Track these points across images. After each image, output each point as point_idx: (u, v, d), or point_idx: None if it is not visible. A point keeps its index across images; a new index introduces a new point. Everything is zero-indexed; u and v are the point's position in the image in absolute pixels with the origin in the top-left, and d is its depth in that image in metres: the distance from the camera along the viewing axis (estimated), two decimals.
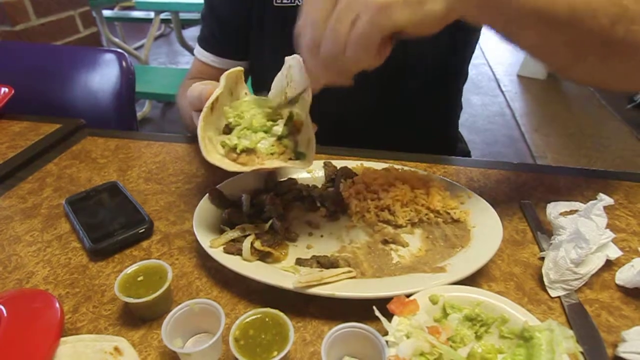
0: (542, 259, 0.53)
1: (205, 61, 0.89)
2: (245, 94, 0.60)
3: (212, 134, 0.55)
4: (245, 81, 0.98)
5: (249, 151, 0.53)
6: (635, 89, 0.50)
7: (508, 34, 0.45)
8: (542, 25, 0.44)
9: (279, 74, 0.58)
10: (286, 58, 0.57)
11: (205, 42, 0.90)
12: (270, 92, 0.60)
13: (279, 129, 0.56)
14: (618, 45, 0.46)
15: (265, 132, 0.55)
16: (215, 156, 0.52)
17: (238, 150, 0.53)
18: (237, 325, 0.42)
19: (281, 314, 0.43)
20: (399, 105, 0.83)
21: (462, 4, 0.42)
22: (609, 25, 0.44)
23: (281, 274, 0.51)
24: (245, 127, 0.55)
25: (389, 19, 0.40)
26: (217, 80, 0.61)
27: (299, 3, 0.76)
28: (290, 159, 0.55)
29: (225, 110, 0.56)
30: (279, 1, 0.77)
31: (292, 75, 0.56)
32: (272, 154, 0.54)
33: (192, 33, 4.78)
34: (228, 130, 0.56)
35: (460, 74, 0.90)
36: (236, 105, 0.58)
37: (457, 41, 0.80)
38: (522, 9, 0.42)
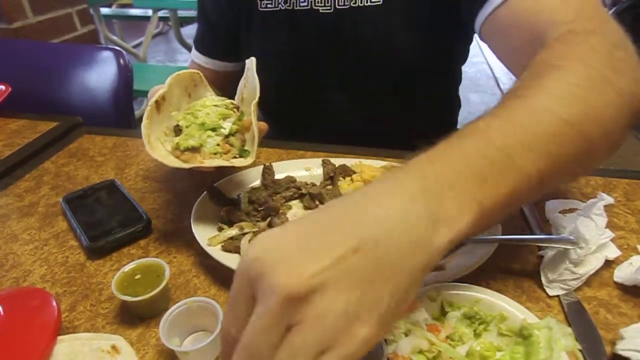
0: (541, 257, 0.53)
1: (199, 63, 0.90)
2: (210, 95, 0.63)
3: (161, 133, 0.58)
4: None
5: (193, 149, 0.56)
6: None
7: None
8: (519, 203, 0.38)
9: (243, 77, 0.61)
10: (246, 61, 0.60)
11: (199, 44, 0.91)
12: (236, 94, 0.63)
13: (225, 128, 0.58)
14: (598, 156, 0.42)
15: (214, 130, 0.57)
16: (160, 152, 0.55)
17: (182, 148, 0.55)
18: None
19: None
20: (396, 103, 0.83)
21: (453, 243, 0.32)
22: (582, 157, 0.39)
23: None
24: (196, 125, 0.57)
25: (368, 347, 0.28)
26: (211, 81, 0.63)
27: (282, 7, 0.76)
28: (235, 157, 0.57)
29: (173, 114, 0.59)
30: (264, 6, 0.78)
31: (248, 76, 0.59)
32: (215, 153, 0.56)
33: (190, 31, 4.76)
34: (179, 130, 0.58)
35: (454, 73, 0.90)
36: (192, 105, 0.61)
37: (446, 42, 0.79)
38: (497, 215, 0.35)
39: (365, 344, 0.28)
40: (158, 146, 0.55)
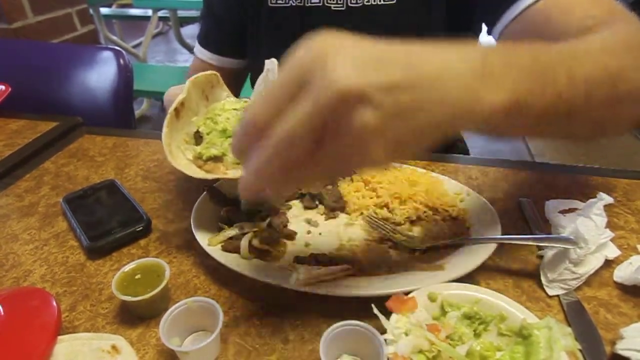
0: (541, 257, 0.53)
1: (205, 59, 0.89)
2: (227, 96, 0.62)
3: (181, 140, 0.56)
4: (245, 80, 0.98)
5: (216, 159, 0.54)
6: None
7: (508, 135, 0.42)
8: (543, 127, 0.42)
9: (260, 77, 0.60)
10: (265, 61, 0.59)
11: (204, 40, 0.90)
12: (251, 96, 0.61)
13: None
14: (622, 106, 0.45)
15: None
16: (182, 162, 0.53)
17: (204, 158, 0.54)
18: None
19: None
20: None
21: (484, 121, 0.34)
22: (605, 106, 0.43)
23: (279, 272, 0.51)
24: (217, 132, 0.56)
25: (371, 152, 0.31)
26: None
27: (292, 4, 0.76)
28: None
29: (193, 120, 0.58)
30: (274, 1, 0.77)
31: (269, 78, 0.58)
32: (237, 163, 0.54)
33: (190, 31, 4.76)
34: (199, 137, 0.57)
35: None
36: (211, 108, 0.59)
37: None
38: (526, 121, 0.38)
39: (377, 163, 0.32)
40: (179, 155, 0.54)
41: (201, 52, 0.90)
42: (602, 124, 0.46)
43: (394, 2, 0.70)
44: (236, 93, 0.65)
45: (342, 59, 0.29)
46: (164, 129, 0.53)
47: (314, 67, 0.29)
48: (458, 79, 0.32)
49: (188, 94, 0.57)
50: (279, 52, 0.61)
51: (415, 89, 0.30)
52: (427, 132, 0.32)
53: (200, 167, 0.54)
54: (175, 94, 0.56)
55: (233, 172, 0.54)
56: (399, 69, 0.30)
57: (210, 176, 0.53)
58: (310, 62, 0.30)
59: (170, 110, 0.54)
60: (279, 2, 0.77)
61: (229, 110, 0.59)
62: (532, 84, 0.36)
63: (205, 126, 0.57)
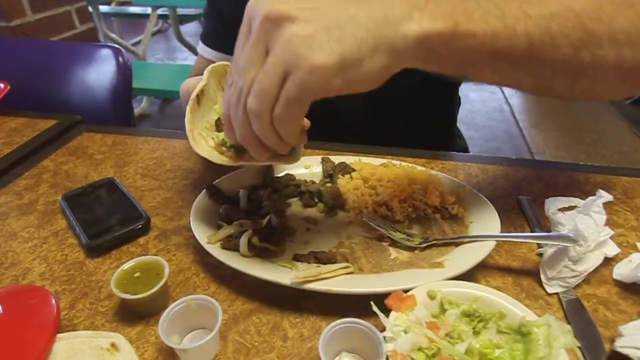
0: (540, 254, 0.53)
1: (209, 58, 0.89)
2: None
3: (203, 127, 0.55)
4: None
5: (238, 146, 0.53)
6: (619, 97, 0.49)
7: (462, 74, 0.43)
8: (501, 63, 0.41)
9: None
10: None
11: (208, 39, 0.89)
12: None
13: None
14: (586, 70, 0.43)
15: None
16: (205, 148, 0.53)
17: (228, 145, 0.53)
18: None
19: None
20: (397, 100, 0.83)
21: (405, 59, 0.37)
22: (573, 53, 0.41)
23: (279, 270, 0.51)
24: None
25: (321, 83, 0.35)
26: None
27: None
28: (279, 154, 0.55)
29: (215, 108, 0.57)
30: None
31: None
32: None
33: (189, 29, 4.76)
34: (221, 124, 0.56)
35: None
36: None
37: None
38: (477, 53, 0.39)
39: (316, 70, 0.34)
40: (201, 142, 0.53)
41: (205, 51, 0.89)
42: (582, 70, 0.43)
43: None
44: None
45: (266, 1, 0.36)
46: (187, 115, 0.52)
47: (250, 14, 0.38)
48: (379, 12, 0.36)
49: (207, 81, 0.56)
50: None
51: (334, 14, 0.35)
52: (345, 52, 0.34)
53: (222, 153, 0.53)
54: (193, 85, 0.56)
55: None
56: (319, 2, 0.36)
57: (233, 163, 0.52)
58: (248, 13, 0.38)
59: (193, 96, 0.53)
60: None
61: None
62: (472, 15, 0.37)
63: None
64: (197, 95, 0.54)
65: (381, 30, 0.35)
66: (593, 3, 0.41)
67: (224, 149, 0.53)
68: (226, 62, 0.60)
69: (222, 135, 0.55)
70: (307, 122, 0.58)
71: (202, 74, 0.68)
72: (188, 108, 0.53)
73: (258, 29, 0.36)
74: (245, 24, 0.38)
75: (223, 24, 0.88)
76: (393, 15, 0.35)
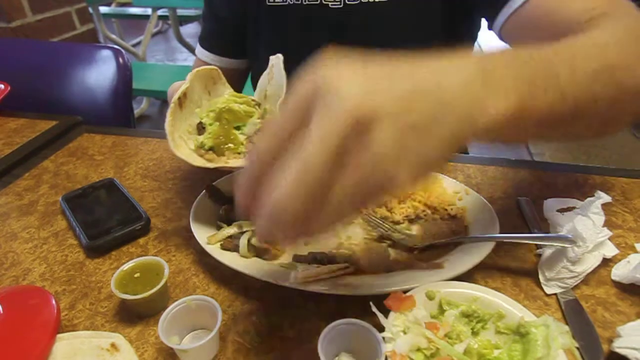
0: (539, 255, 0.53)
1: (206, 60, 0.89)
2: (229, 94, 0.62)
3: (184, 130, 0.56)
4: (246, 80, 0.99)
5: (218, 149, 0.55)
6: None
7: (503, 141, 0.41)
8: (544, 128, 0.39)
9: (264, 73, 0.60)
10: (270, 57, 0.59)
11: (205, 41, 0.90)
12: (255, 91, 0.61)
13: (250, 128, 0.57)
14: (611, 121, 0.45)
15: (237, 129, 0.57)
16: (184, 151, 0.53)
17: (206, 147, 0.54)
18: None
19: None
20: None
21: (490, 131, 0.32)
22: (605, 110, 0.42)
23: (278, 271, 0.51)
24: (220, 125, 0.57)
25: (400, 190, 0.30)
26: None
27: (290, 2, 0.76)
28: None
29: (196, 111, 0.58)
30: (272, 1, 0.78)
31: (274, 73, 0.58)
32: (239, 152, 0.55)
33: (190, 30, 4.76)
34: (202, 128, 0.57)
35: None
36: (214, 102, 0.60)
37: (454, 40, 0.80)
38: (530, 126, 0.36)
39: (401, 185, 0.29)
40: (181, 144, 0.54)
41: (203, 54, 0.90)
42: (607, 121, 0.45)
43: None
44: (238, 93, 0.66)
45: (346, 82, 0.28)
46: (167, 118, 0.53)
47: (320, 93, 0.28)
48: (460, 89, 0.31)
49: (191, 85, 0.57)
50: (279, 51, 0.62)
51: (423, 104, 0.29)
52: (443, 145, 0.30)
53: (201, 156, 0.54)
54: (179, 87, 0.57)
55: (234, 162, 0.54)
56: (403, 86, 0.29)
57: (211, 165, 0.53)
58: (315, 90, 0.29)
59: (174, 99, 0.54)
60: (277, 0, 0.77)
61: (230, 104, 0.59)
62: (533, 84, 0.35)
63: (208, 117, 0.57)
64: (180, 99, 0.55)
65: (463, 124, 0.31)
66: (627, 53, 0.42)
67: (203, 151, 0.54)
68: (212, 67, 0.61)
69: (201, 138, 0.56)
70: None
71: None
72: (169, 111, 0.53)
73: (336, 127, 0.27)
74: (298, 104, 0.29)
75: (218, 26, 0.88)
76: (472, 103, 0.31)
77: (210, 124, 0.57)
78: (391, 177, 0.28)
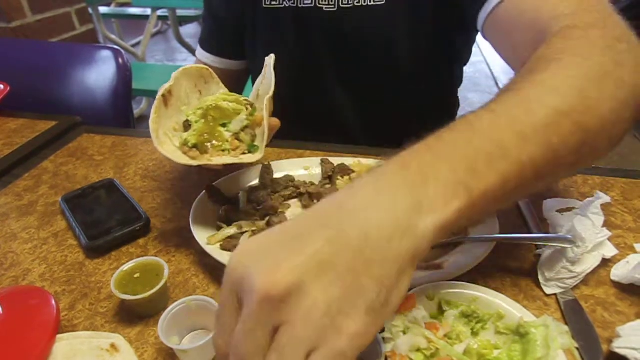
0: (538, 256, 0.53)
1: (206, 62, 0.90)
2: (222, 92, 0.63)
3: (170, 128, 0.56)
4: (246, 81, 0.99)
5: (202, 146, 0.55)
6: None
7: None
8: (512, 195, 0.35)
9: (260, 75, 0.60)
10: (265, 58, 0.60)
11: (205, 43, 0.91)
12: (251, 95, 0.62)
13: (236, 125, 0.57)
14: (584, 159, 0.41)
15: (223, 126, 0.57)
16: (169, 148, 0.53)
17: (190, 145, 0.54)
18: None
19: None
20: (397, 102, 0.83)
21: (428, 249, 0.31)
22: (574, 156, 0.38)
23: None
24: (205, 122, 0.56)
25: (362, 345, 0.28)
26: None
27: (286, 5, 0.76)
28: (244, 153, 0.56)
29: (183, 109, 0.58)
30: (268, 2, 0.78)
31: (266, 72, 0.58)
32: (223, 150, 0.55)
33: (189, 30, 4.76)
34: (188, 126, 0.57)
35: (455, 74, 0.90)
36: (203, 100, 0.60)
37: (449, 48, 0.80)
38: (492, 203, 0.34)
39: (354, 339, 0.27)
40: (166, 141, 0.54)
41: (203, 55, 0.91)
42: (577, 162, 0.40)
43: (383, 2, 0.71)
44: (238, 94, 0.66)
45: (256, 268, 0.28)
46: (152, 115, 0.53)
47: (238, 286, 0.28)
48: (389, 235, 0.28)
49: (176, 82, 0.57)
50: (275, 52, 0.62)
51: (350, 258, 0.28)
52: (375, 304, 0.28)
53: (185, 153, 0.54)
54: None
55: (217, 159, 0.54)
56: (321, 243, 0.28)
57: (194, 162, 0.53)
58: (234, 280, 0.29)
59: (158, 96, 0.54)
60: (272, 3, 0.78)
61: (220, 101, 0.59)
62: (475, 171, 0.32)
63: (195, 115, 0.57)
64: (164, 96, 0.55)
65: (397, 248, 0.29)
66: (578, 94, 0.38)
67: (187, 148, 0.54)
68: (201, 66, 0.61)
69: (185, 135, 0.55)
70: (276, 122, 0.59)
71: None
72: (153, 108, 0.53)
73: (256, 311, 0.27)
74: (227, 293, 0.29)
75: (217, 27, 0.89)
76: (402, 223, 0.29)
77: (196, 122, 0.57)
78: (332, 329, 0.27)
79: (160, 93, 0.55)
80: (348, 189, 0.32)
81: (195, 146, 0.54)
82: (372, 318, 0.28)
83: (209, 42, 0.90)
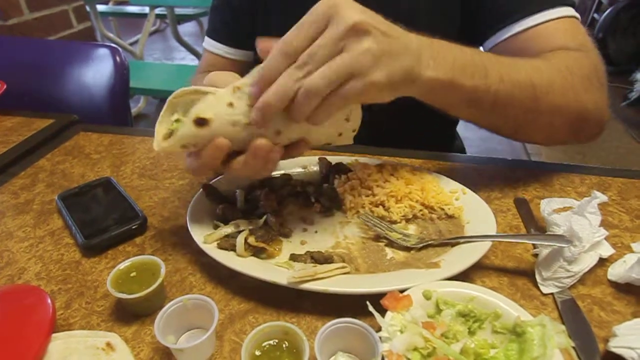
0: (536, 255, 0.53)
1: (218, 52, 0.88)
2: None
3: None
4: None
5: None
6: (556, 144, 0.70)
7: (445, 110, 0.58)
8: (473, 109, 0.57)
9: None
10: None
11: (216, 33, 0.89)
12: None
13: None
14: (524, 126, 0.61)
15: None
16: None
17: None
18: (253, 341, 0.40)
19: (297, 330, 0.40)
20: (396, 102, 0.83)
21: (416, 91, 0.51)
22: (520, 113, 0.59)
23: (275, 270, 0.51)
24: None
25: (370, 94, 0.46)
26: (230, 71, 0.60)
27: None
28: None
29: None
30: None
31: None
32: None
33: (187, 28, 4.75)
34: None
35: None
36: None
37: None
38: (460, 98, 0.54)
39: (372, 85, 0.44)
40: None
41: (214, 46, 0.89)
42: (520, 125, 0.61)
43: None
44: None
45: (351, 7, 0.43)
46: (160, 118, 0.50)
47: (331, 11, 0.42)
48: (418, 49, 0.48)
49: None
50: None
51: (390, 41, 0.45)
52: (397, 73, 0.46)
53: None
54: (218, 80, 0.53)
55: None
56: (383, 23, 0.45)
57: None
58: (327, 9, 0.43)
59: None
60: None
61: None
62: (464, 70, 0.52)
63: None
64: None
65: (413, 68, 0.48)
66: (548, 81, 0.58)
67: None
68: (191, 88, 0.51)
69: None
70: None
71: (209, 70, 0.67)
72: (162, 112, 0.50)
73: (343, 32, 0.42)
74: (320, 13, 0.43)
75: (232, 15, 0.87)
76: (420, 59, 0.48)
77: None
78: (367, 70, 0.43)
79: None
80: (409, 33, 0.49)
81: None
82: (385, 85, 0.45)
83: (220, 32, 0.88)
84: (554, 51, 0.62)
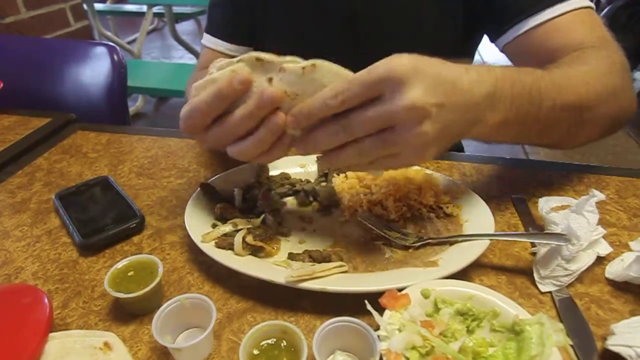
0: (534, 253, 0.53)
1: (217, 49, 0.87)
2: None
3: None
4: None
5: None
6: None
7: (493, 140, 0.55)
8: (516, 135, 0.54)
9: None
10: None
11: (216, 29, 0.88)
12: None
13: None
14: (567, 140, 0.61)
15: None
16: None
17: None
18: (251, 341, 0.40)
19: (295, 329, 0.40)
20: None
21: (479, 134, 0.49)
22: (565, 132, 0.58)
23: (273, 269, 0.51)
24: None
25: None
26: None
27: None
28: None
29: None
30: None
31: None
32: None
33: (185, 27, 4.74)
34: None
35: None
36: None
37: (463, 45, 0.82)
38: (507, 133, 0.52)
39: (421, 160, 0.44)
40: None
41: (213, 43, 0.87)
42: (562, 139, 0.60)
43: None
44: None
45: (415, 82, 0.39)
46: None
47: (394, 82, 0.39)
48: (481, 100, 0.45)
49: None
50: (289, 33, 0.61)
51: (454, 111, 0.42)
52: (454, 138, 0.45)
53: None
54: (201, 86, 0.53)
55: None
56: (448, 94, 0.42)
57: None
58: (391, 78, 0.39)
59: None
60: None
61: None
62: (521, 107, 0.49)
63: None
64: None
65: (469, 124, 0.46)
66: (595, 94, 0.56)
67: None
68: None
69: None
70: None
71: (207, 67, 0.67)
72: None
73: (400, 111, 0.39)
74: (377, 76, 0.39)
75: (233, 12, 0.86)
76: (481, 115, 0.46)
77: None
78: (422, 154, 0.43)
79: None
80: (461, 72, 0.44)
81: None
82: (436, 156, 0.44)
83: (221, 28, 0.87)
84: (585, 51, 0.60)
